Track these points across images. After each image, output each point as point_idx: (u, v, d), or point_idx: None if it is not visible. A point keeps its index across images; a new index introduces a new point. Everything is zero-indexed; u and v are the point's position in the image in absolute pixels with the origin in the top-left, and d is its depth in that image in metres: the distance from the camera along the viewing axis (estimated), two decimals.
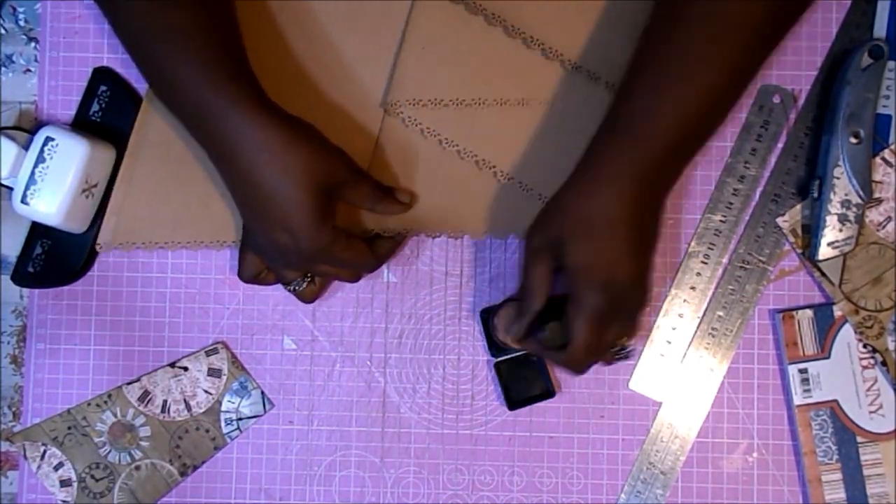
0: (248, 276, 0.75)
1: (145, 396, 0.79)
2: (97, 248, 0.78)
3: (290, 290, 0.75)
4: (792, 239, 0.78)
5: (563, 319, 0.69)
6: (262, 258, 0.74)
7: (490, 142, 0.77)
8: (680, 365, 0.78)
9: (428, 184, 0.78)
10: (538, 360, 0.77)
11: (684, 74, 0.67)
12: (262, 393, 0.79)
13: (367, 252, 0.73)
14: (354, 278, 0.75)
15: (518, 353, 0.77)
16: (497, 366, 0.77)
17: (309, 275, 0.75)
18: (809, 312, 0.77)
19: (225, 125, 0.67)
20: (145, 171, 0.78)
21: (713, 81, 0.67)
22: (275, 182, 0.68)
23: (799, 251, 0.78)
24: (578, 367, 0.71)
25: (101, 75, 0.79)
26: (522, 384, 0.78)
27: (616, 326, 0.70)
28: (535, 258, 0.70)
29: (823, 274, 0.77)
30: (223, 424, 0.79)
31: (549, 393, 0.77)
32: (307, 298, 0.76)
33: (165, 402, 0.79)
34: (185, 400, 0.79)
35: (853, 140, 0.75)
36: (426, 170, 0.78)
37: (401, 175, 0.78)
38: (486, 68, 0.77)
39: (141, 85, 0.80)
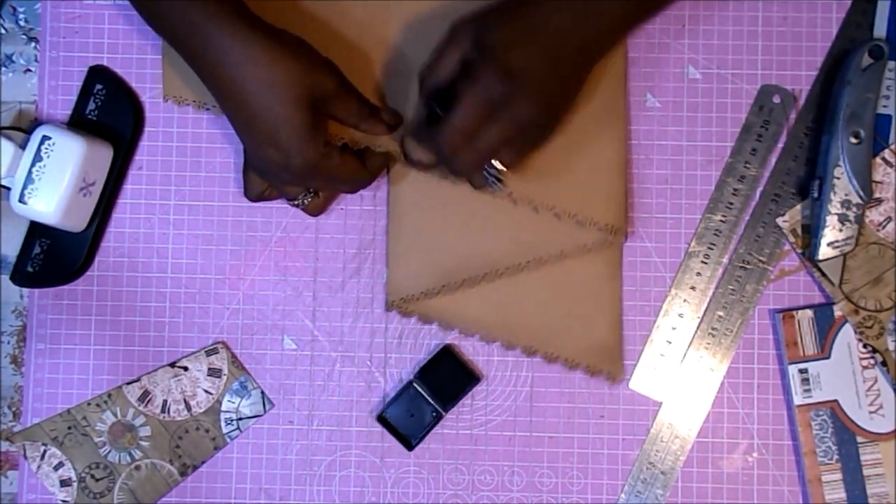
0: (254, 194, 0.75)
1: (145, 396, 0.79)
2: (387, 307, 0.78)
3: (295, 206, 0.75)
4: (792, 239, 0.78)
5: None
6: (261, 176, 0.73)
7: (506, 315, 0.78)
8: (680, 365, 0.78)
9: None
10: (413, 389, 0.77)
11: None
12: (262, 393, 0.79)
13: (359, 168, 0.73)
14: (352, 191, 0.75)
15: (396, 395, 0.77)
16: (380, 418, 0.77)
17: (312, 189, 0.74)
18: (809, 312, 0.77)
19: (208, 41, 0.67)
20: (411, 223, 0.78)
21: None
22: (260, 97, 0.67)
23: (799, 251, 0.78)
24: (449, 150, 0.69)
25: (97, 74, 0.79)
26: (413, 420, 0.77)
27: (499, 128, 0.68)
28: (452, 37, 0.69)
29: (823, 274, 0.77)
30: (223, 424, 0.79)
31: (439, 414, 0.77)
32: (313, 213, 0.76)
33: (165, 401, 0.79)
34: (185, 400, 0.79)
35: (853, 140, 0.75)
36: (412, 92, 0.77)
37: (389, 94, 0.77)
38: (482, 237, 0.77)
39: (137, 83, 0.80)
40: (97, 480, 0.79)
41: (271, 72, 0.67)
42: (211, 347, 0.79)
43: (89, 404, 0.79)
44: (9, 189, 0.75)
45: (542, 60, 0.67)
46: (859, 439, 0.77)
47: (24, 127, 0.80)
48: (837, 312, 0.77)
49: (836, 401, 0.77)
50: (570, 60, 0.69)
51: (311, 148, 0.69)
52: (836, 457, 0.76)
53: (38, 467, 0.79)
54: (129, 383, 0.79)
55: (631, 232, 0.78)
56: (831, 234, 0.76)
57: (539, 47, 0.67)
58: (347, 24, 0.77)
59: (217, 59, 0.67)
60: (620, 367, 0.78)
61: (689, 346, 0.78)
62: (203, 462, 0.79)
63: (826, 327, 0.77)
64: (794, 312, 0.77)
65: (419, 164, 0.75)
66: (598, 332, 0.77)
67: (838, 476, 0.76)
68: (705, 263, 0.78)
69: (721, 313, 0.78)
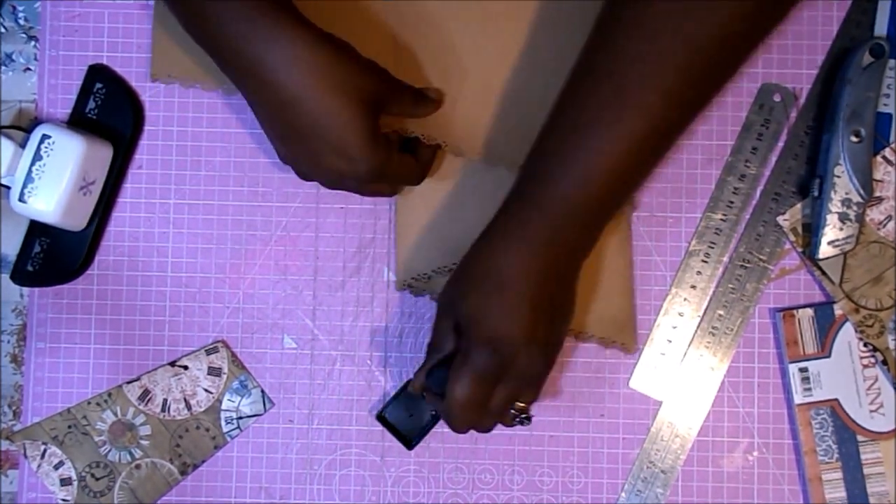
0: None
1: (145, 395, 0.79)
2: (398, 287, 0.78)
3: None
4: (792, 238, 0.78)
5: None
6: (324, 184, 0.71)
7: None
8: (680, 364, 0.78)
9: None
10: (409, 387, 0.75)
11: (589, 136, 0.64)
12: (263, 392, 0.79)
13: (414, 163, 0.73)
14: (394, 193, 0.76)
15: (395, 395, 0.77)
16: (380, 417, 0.77)
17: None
18: (810, 311, 0.77)
19: (263, 50, 0.64)
20: (420, 201, 0.77)
21: (618, 148, 0.64)
22: (324, 105, 0.64)
23: (799, 250, 0.78)
24: (457, 423, 0.69)
25: (96, 73, 0.79)
26: (413, 420, 0.77)
27: (507, 389, 0.67)
28: (442, 312, 0.70)
29: (824, 273, 0.77)
30: (223, 423, 0.79)
31: (438, 414, 0.76)
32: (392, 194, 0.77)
33: (165, 400, 0.79)
34: (185, 399, 0.79)
35: (854, 139, 0.75)
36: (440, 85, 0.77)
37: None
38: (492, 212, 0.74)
39: (136, 82, 0.79)
40: (97, 479, 0.79)
41: (334, 77, 0.65)
42: (211, 346, 0.79)
43: (89, 403, 0.79)
44: (9, 188, 0.75)
45: (525, 316, 0.66)
46: (860, 438, 0.77)
47: (23, 126, 0.80)
48: (838, 311, 0.77)
49: (836, 399, 0.77)
50: (554, 296, 0.67)
51: (378, 152, 0.67)
52: (836, 455, 0.76)
53: (39, 466, 0.79)
54: (129, 382, 0.79)
55: (637, 205, 0.78)
56: (832, 232, 0.76)
57: (505, 303, 0.65)
58: (366, 19, 0.76)
59: (277, 69, 0.64)
60: (633, 338, 0.78)
61: (689, 345, 0.78)
62: (203, 461, 0.79)
63: (826, 326, 0.77)
64: (795, 311, 0.77)
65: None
66: (609, 304, 0.77)
67: (838, 475, 0.76)
68: (706, 262, 0.78)
69: (721, 312, 0.78)
